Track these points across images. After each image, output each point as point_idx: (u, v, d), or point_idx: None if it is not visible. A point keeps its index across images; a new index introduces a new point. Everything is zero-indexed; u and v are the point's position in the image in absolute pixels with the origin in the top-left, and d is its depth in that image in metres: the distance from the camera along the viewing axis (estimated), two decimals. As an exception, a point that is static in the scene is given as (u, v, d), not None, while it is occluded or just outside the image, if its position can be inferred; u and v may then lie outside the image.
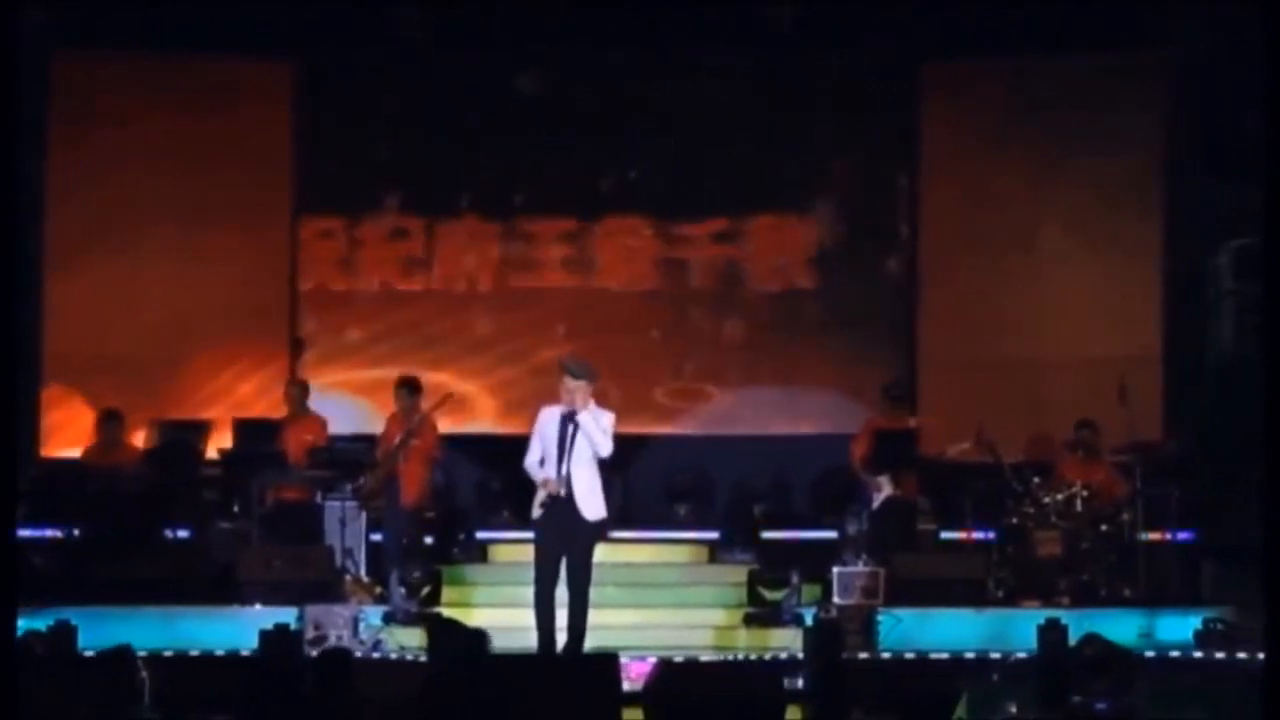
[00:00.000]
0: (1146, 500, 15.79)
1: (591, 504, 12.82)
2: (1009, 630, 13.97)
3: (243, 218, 17.88)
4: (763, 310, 18.42)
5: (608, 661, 10.42)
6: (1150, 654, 13.32)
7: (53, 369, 17.55)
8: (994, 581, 15.18)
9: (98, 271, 17.71)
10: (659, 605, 15.16)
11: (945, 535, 16.03)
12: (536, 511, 12.88)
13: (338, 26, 17.66)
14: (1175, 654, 13.79)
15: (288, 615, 13.49)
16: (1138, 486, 15.82)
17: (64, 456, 17.10)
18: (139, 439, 16.65)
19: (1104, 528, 15.37)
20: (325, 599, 14.30)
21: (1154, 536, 15.71)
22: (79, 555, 15.12)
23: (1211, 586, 15.53)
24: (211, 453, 16.36)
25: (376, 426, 16.40)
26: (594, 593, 12.89)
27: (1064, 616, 12.93)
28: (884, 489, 15.87)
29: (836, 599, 14.62)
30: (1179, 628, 14.51)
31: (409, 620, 14.26)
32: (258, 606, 14.34)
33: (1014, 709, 11.23)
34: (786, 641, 14.18)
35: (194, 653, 13.26)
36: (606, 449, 12.80)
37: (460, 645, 9.91)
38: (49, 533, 15.34)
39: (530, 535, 13.11)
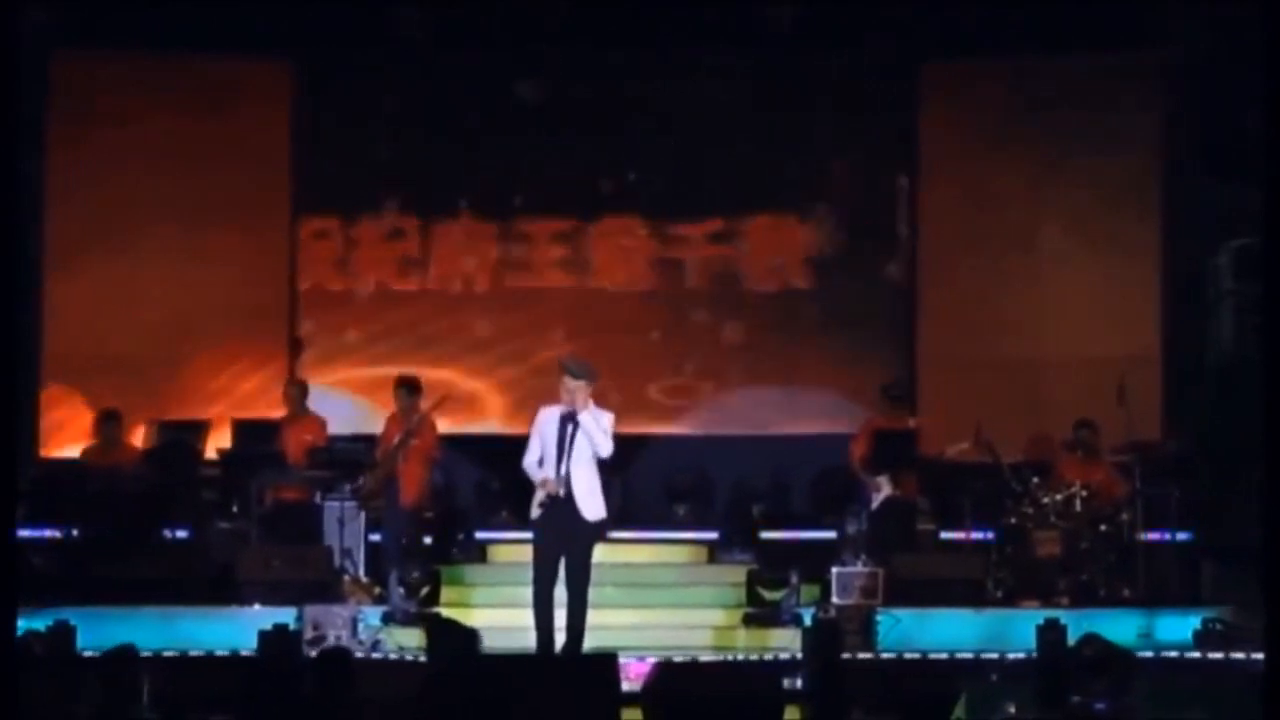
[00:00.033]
0: (1146, 500, 15.79)
1: (591, 504, 12.82)
2: (1008, 630, 13.97)
3: (242, 218, 17.89)
4: (762, 310, 18.42)
5: (606, 661, 10.42)
6: (1149, 654, 13.32)
7: (52, 369, 17.55)
8: (993, 582, 15.18)
9: (97, 271, 17.71)
10: (658, 605, 15.16)
11: (944, 535, 16.03)
12: (535, 511, 12.87)
13: (337, 27, 17.66)
14: (1174, 654, 13.79)
15: (287, 615, 13.49)
16: (1137, 486, 15.82)
17: (63, 457, 17.10)
18: (138, 439, 16.65)
19: (1103, 528, 15.37)
20: (324, 599, 14.30)
21: (1153, 537, 15.71)
22: (78, 555, 15.11)
23: (1211, 587, 15.53)
24: (211, 453, 16.36)
25: (376, 426, 16.40)
26: (593, 593, 12.90)
27: (1063, 616, 12.95)
28: (883, 489, 15.88)
29: (835, 599, 14.62)
30: (1178, 628, 14.51)
31: (408, 620, 14.26)
32: (257, 607, 14.34)
33: (1013, 709, 11.22)
34: (785, 641, 14.18)
35: (193, 653, 13.25)
36: (607, 449, 12.80)
37: (457, 645, 9.90)
38: (48, 533, 15.33)
39: (529, 535, 13.11)
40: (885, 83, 18.06)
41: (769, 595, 14.91)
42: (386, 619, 14.37)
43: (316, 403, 16.70)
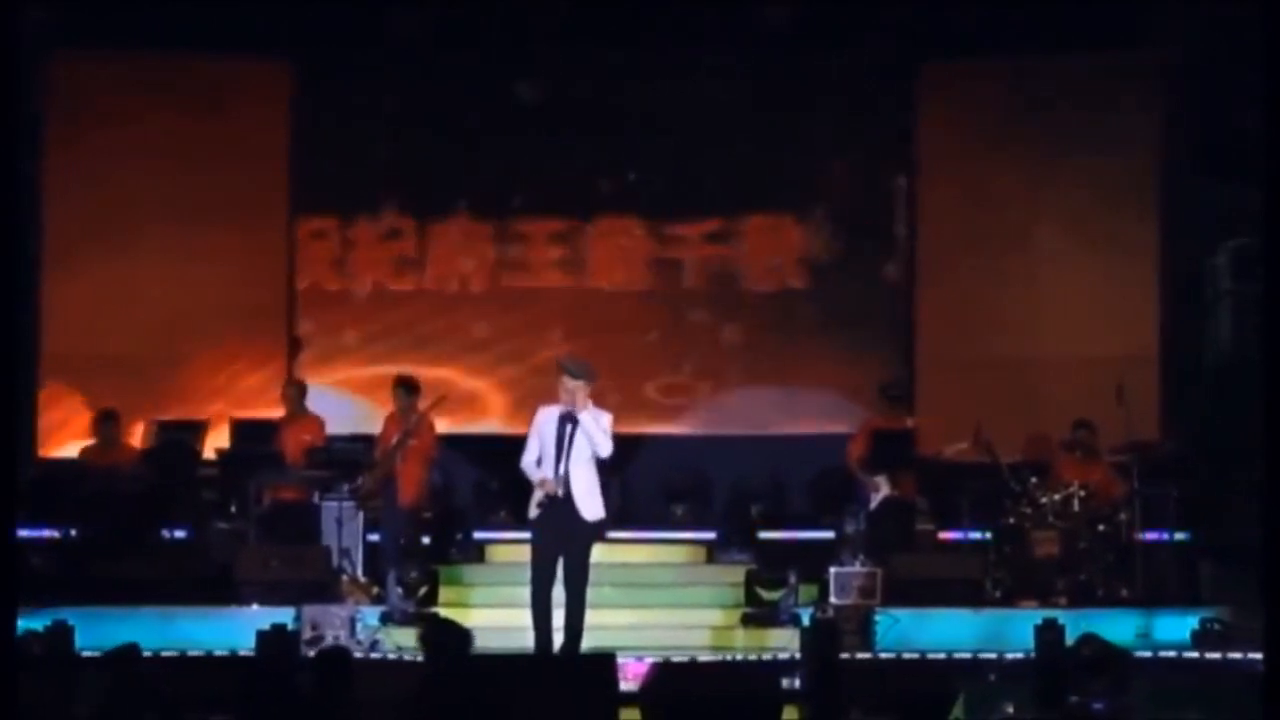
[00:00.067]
0: (1144, 500, 15.79)
1: (590, 504, 12.82)
2: (1006, 630, 13.96)
3: (241, 218, 17.88)
4: (761, 310, 18.41)
5: (604, 662, 10.43)
6: (1147, 654, 13.33)
7: (50, 368, 17.54)
8: (991, 581, 15.18)
9: (96, 271, 17.70)
10: (656, 605, 15.16)
11: (943, 535, 16.03)
12: (534, 511, 12.87)
13: (335, 27, 17.66)
14: (1172, 654, 13.79)
15: (285, 615, 13.50)
16: (1135, 486, 15.82)
17: (61, 456, 17.10)
18: (136, 439, 16.65)
19: (1101, 528, 15.37)
20: (322, 599, 14.30)
21: (1151, 537, 15.71)
22: (76, 555, 15.11)
23: (1209, 586, 15.51)
24: (209, 453, 16.36)
25: (374, 426, 16.40)
26: (591, 593, 12.88)
27: (1061, 616, 12.96)
28: (882, 489, 15.88)
29: (834, 599, 14.61)
30: (1176, 628, 14.52)
31: (406, 620, 14.25)
32: (255, 606, 14.34)
33: (1011, 709, 11.23)
34: (784, 641, 14.18)
35: (191, 653, 13.24)
36: (607, 449, 12.80)
37: (452, 644, 9.90)
38: (46, 533, 15.33)
39: (528, 535, 13.10)
40: (884, 83, 18.06)
41: (767, 595, 14.91)
42: (385, 619, 14.37)
43: (315, 402, 16.69)
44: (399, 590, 14.54)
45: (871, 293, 18.28)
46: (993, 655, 13.11)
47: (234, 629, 13.67)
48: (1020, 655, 12.84)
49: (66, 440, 17.28)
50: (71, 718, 10.52)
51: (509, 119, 18.15)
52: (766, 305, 18.42)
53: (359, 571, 15.43)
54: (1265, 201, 10.33)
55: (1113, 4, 17.34)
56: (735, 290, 18.42)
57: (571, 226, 18.38)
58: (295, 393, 16.56)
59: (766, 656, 13.85)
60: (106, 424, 16.27)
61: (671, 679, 6.56)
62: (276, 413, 16.60)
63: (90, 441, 16.44)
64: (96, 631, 12.64)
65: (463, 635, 10.20)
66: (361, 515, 15.71)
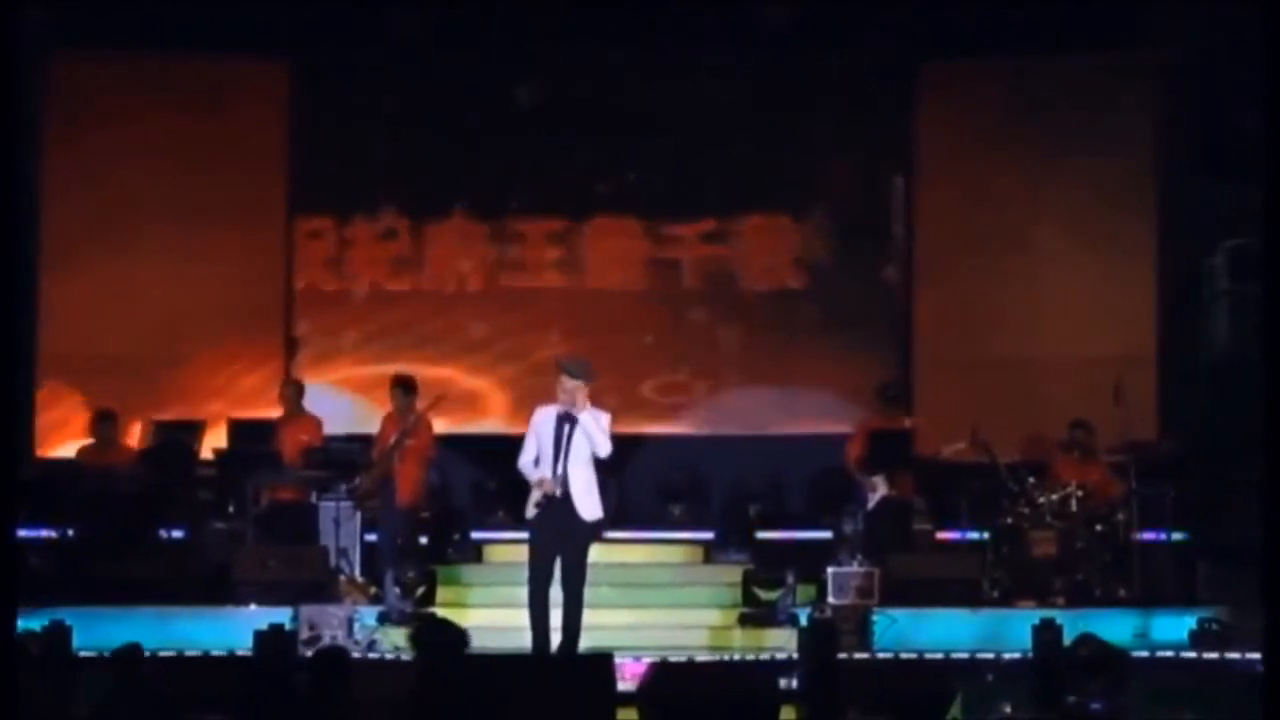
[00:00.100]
0: (1141, 500, 15.78)
1: (588, 504, 12.82)
2: (1004, 630, 13.97)
3: (239, 217, 17.88)
4: (759, 310, 18.41)
5: (602, 661, 10.45)
6: (1145, 654, 13.34)
7: (49, 368, 17.53)
8: (989, 581, 15.18)
9: (94, 271, 17.69)
10: (654, 605, 15.16)
11: (940, 535, 16.02)
12: (531, 511, 12.86)
13: (334, 27, 17.65)
14: (1170, 654, 13.79)
15: (282, 615, 13.50)
16: (1133, 486, 15.80)
17: (59, 456, 17.09)
18: (134, 439, 16.64)
19: (1099, 528, 15.37)
20: (320, 599, 14.30)
21: (1149, 536, 15.71)
22: (74, 555, 15.11)
23: (1206, 586, 15.51)
24: (206, 452, 16.35)
25: (372, 426, 16.39)
26: (589, 593, 12.89)
27: (1059, 616, 12.96)
28: (879, 489, 15.87)
29: (831, 599, 14.61)
30: (1174, 628, 14.50)
31: (403, 620, 14.25)
32: (252, 606, 14.34)
33: (1009, 709, 11.23)
34: (781, 641, 14.17)
35: (189, 653, 13.23)
36: (606, 449, 12.80)
37: (445, 644, 9.90)
38: (44, 533, 15.32)
39: (525, 535, 13.10)
40: (884, 83, 18.04)
41: (765, 595, 14.91)
42: (382, 619, 14.37)
43: (312, 402, 16.68)
44: (396, 590, 14.54)
45: (870, 293, 18.28)
46: (990, 655, 13.12)
47: (231, 629, 13.67)
48: (1018, 655, 12.85)
49: (65, 440, 17.27)
50: (69, 718, 10.51)
51: (508, 119, 18.14)
52: (765, 305, 18.41)
53: (356, 571, 15.43)
54: (1264, 201, 10.34)
55: (1113, 4, 17.33)
56: (734, 290, 18.42)
57: (569, 226, 18.38)
58: (293, 393, 16.56)
59: (764, 656, 13.85)
60: (104, 424, 16.26)
61: (669, 679, 6.58)
62: (274, 413, 16.59)
63: (87, 441, 16.42)
64: (94, 631, 12.66)
65: (458, 635, 10.19)
66: (359, 515, 15.70)
